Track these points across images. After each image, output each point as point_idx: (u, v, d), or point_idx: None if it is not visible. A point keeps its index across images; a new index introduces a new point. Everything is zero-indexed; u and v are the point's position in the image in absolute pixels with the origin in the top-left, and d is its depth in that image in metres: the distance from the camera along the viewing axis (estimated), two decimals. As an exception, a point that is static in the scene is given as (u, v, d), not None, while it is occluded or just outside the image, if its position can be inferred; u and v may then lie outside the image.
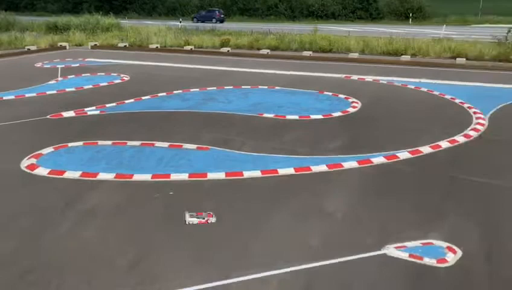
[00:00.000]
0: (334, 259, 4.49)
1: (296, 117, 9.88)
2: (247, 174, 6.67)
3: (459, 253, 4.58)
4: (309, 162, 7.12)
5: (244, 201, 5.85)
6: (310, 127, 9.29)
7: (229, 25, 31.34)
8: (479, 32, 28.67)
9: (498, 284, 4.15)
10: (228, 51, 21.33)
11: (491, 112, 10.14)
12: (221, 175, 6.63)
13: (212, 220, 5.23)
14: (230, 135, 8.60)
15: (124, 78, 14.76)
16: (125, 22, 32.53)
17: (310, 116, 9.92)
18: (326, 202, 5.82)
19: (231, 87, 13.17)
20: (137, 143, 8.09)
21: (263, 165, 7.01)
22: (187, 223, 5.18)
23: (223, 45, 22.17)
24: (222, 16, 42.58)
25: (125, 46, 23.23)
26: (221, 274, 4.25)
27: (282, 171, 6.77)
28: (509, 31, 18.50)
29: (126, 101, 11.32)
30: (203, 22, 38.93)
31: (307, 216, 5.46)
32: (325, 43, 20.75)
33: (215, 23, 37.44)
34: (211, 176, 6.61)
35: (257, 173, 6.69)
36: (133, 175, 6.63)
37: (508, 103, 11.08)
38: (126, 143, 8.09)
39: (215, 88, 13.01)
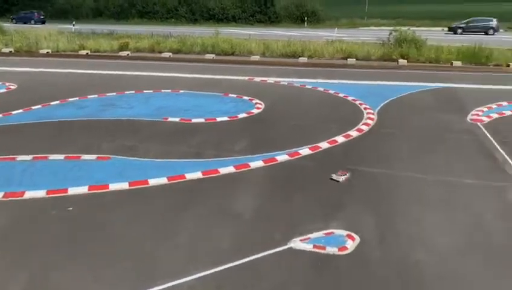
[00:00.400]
0: (244, 259, 4.56)
1: (202, 120, 9.85)
2: (152, 181, 6.47)
3: (358, 239, 4.95)
4: (216, 165, 7.14)
5: (150, 210, 5.68)
6: (216, 129, 9.32)
7: (128, 28, 30.14)
8: (366, 34, 31.29)
9: (390, 265, 4.56)
10: (128, 54, 20.53)
11: (379, 107, 11.12)
12: (124, 185, 6.34)
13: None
14: (133, 142, 8.28)
15: (11, 86, 13.40)
16: (8, 26, 29.54)
17: (216, 119, 9.96)
18: (235, 203, 5.89)
19: (133, 92, 12.69)
20: (28, 157, 7.39)
21: (170, 171, 6.86)
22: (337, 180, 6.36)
23: (121, 48, 21.27)
24: (42, 17, 43.37)
25: (10, 51, 21.12)
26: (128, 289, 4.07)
27: (189, 176, 6.70)
28: (390, 33, 20.45)
29: (13, 112, 10.28)
30: (24, 22, 40.29)
31: (216, 219, 5.48)
32: (227, 46, 21.00)
33: (35, 24, 38.92)
34: (114, 186, 6.29)
35: (163, 180, 6.53)
36: (24, 192, 6.05)
37: (393, 98, 12.25)
38: (15, 158, 7.36)
39: (115, 94, 12.42)
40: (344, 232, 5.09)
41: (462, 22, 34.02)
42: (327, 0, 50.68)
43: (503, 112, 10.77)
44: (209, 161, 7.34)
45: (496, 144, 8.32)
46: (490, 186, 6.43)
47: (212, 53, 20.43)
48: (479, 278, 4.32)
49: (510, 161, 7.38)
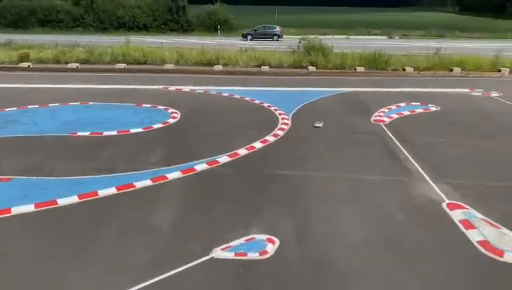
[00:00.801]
0: (164, 274, 4.44)
1: (114, 133, 9.44)
2: (61, 201, 6.04)
3: (278, 242, 5.08)
4: (132, 179, 6.88)
5: (60, 232, 5.29)
6: (130, 141, 8.99)
7: (28, 37, 27.91)
8: (277, 42, 32.42)
9: (309, 263, 4.75)
10: (29, 66, 19.00)
11: (292, 113, 11.57)
12: (29, 208, 5.84)
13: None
14: (38, 160, 7.67)
15: None
16: None
17: (129, 131, 9.60)
18: (153, 217, 5.72)
19: (36, 106, 11.77)
20: None
21: (80, 188, 6.47)
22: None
23: (22, 59, 19.62)
24: None
25: None
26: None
27: (103, 193, 6.37)
28: (300, 42, 21.42)
29: None
30: None
31: (134, 235, 5.27)
32: (138, 54, 20.38)
33: None
34: (16, 210, 5.77)
35: (74, 199, 6.13)
36: None
37: (305, 103, 12.82)
38: None
39: (15, 108, 11.42)
40: (264, 237, 5.19)
41: (252, 29, 37.55)
42: (238, 9, 51.71)
43: (402, 112, 11.80)
44: (123, 175, 7.05)
45: (397, 142, 9.08)
46: (393, 181, 7.00)
47: (123, 62, 19.68)
48: (385, 266, 4.67)
49: (410, 158, 8.10)
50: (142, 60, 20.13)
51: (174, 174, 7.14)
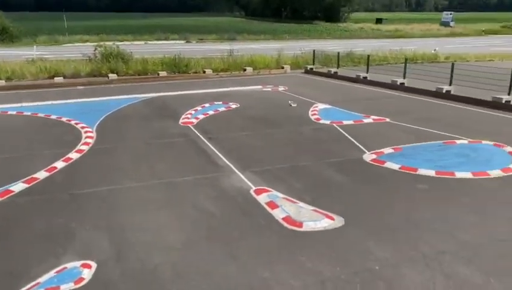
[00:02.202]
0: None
1: None
2: None
3: (94, 265, 4.72)
4: None
5: None
6: None
7: None
8: (70, 50, 29.88)
9: (132, 277, 4.56)
10: None
11: (97, 124, 10.89)
12: None
13: None
14: None
15: None
16: None
17: None
18: None
19: None
20: None
21: None
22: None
23: None
24: None
25: None
26: None
27: None
28: (95, 49, 20.26)
29: None
30: None
31: None
32: None
33: None
34: None
35: None
36: None
37: (110, 112, 12.23)
38: None
39: None
40: (78, 263, 4.75)
41: None
42: (22, 16, 45.74)
43: (207, 112, 12.43)
44: None
45: (206, 141, 9.52)
46: (205, 178, 7.32)
47: None
48: (208, 262, 4.86)
49: (219, 154, 8.59)
50: None
51: (-47, 216, 5.87)
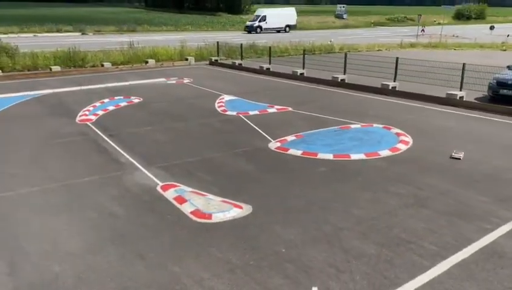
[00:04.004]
0: None
1: None
2: None
3: (-18, 282, 4.26)
4: None
5: None
6: None
7: None
8: None
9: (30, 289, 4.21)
10: None
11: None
12: None
13: None
14: None
15: None
16: None
17: None
18: None
19: None
20: None
21: None
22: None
23: None
24: None
25: None
26: None
27: None
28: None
29: None
30: None
31: None
32: None
33: None
34: None
35: None
36: None
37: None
38: None
39: None
40: (-38, 282, 4.24)
41: None
42: None
43: (107, 108, 11.80)
44: None
45: (106, 138, 9.04)
46: (108, 177, 6.96)
47: None
48: (112, 266, 4.66)
49: (121, 151, 8.22)
50: None
51: None
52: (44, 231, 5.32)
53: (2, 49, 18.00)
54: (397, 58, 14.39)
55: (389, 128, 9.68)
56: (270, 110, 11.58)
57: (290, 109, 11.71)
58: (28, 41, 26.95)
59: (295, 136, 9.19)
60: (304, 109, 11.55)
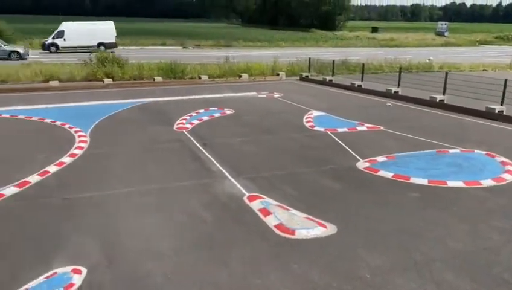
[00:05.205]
0: None
1: None
2: None
3: (84, 271, 4.69)
4: None
5: None
6: None
7: None
8: (64, 55, 29.84)
9: (123, 283, 4.54)
10: None
11: (90, 129, 10.86)
12: None
13: None
14: None
15: None
16: None
17: None
18: None
19: None
20: None
21: None
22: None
23: None
24: None
25: None
26: None
27: None
28: (91, 53, 20.27)
29: None
30: None
31: None
32: None
33: None
34: None
35: None
36: None
37: (104, 117, 12.21)
38: None
39: None
40: (69, 268, 4.71)
41: None
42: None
43: (202, 118, 12.44)
44: None
45: (200, 147, 9.51)
46: (198, 184, 7.31)
47: None
48: (198, 268, 4.85)
49: (212, 160, 8.59)
50: None
51: None
52: (140, 229, 5.72)
53: (115, 60, 19.96)
54: (506, 80, 13.16)
55: (493, 156, 8.85)
56: (360, 128, 11.27)
57: (381, 128, 11.29)
58: (135, 53, 29.54)
59: (386, 157, 8.82)
60: (396, 129, 11.06)
